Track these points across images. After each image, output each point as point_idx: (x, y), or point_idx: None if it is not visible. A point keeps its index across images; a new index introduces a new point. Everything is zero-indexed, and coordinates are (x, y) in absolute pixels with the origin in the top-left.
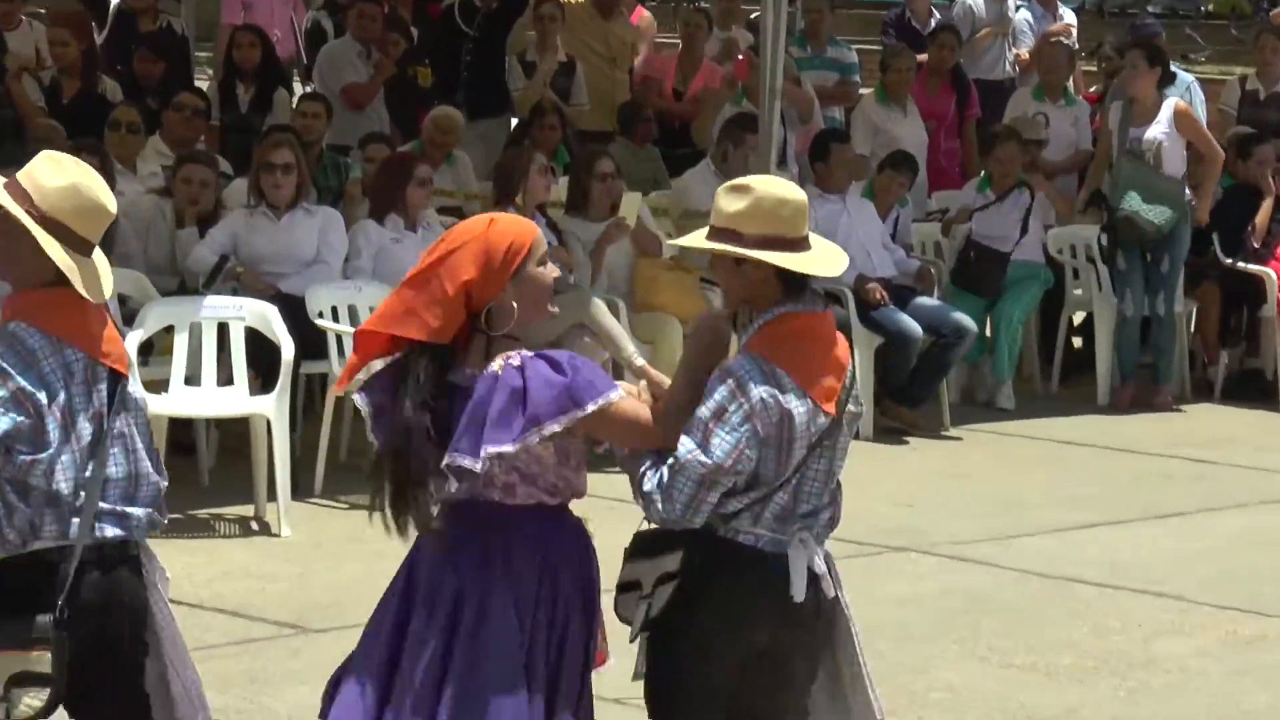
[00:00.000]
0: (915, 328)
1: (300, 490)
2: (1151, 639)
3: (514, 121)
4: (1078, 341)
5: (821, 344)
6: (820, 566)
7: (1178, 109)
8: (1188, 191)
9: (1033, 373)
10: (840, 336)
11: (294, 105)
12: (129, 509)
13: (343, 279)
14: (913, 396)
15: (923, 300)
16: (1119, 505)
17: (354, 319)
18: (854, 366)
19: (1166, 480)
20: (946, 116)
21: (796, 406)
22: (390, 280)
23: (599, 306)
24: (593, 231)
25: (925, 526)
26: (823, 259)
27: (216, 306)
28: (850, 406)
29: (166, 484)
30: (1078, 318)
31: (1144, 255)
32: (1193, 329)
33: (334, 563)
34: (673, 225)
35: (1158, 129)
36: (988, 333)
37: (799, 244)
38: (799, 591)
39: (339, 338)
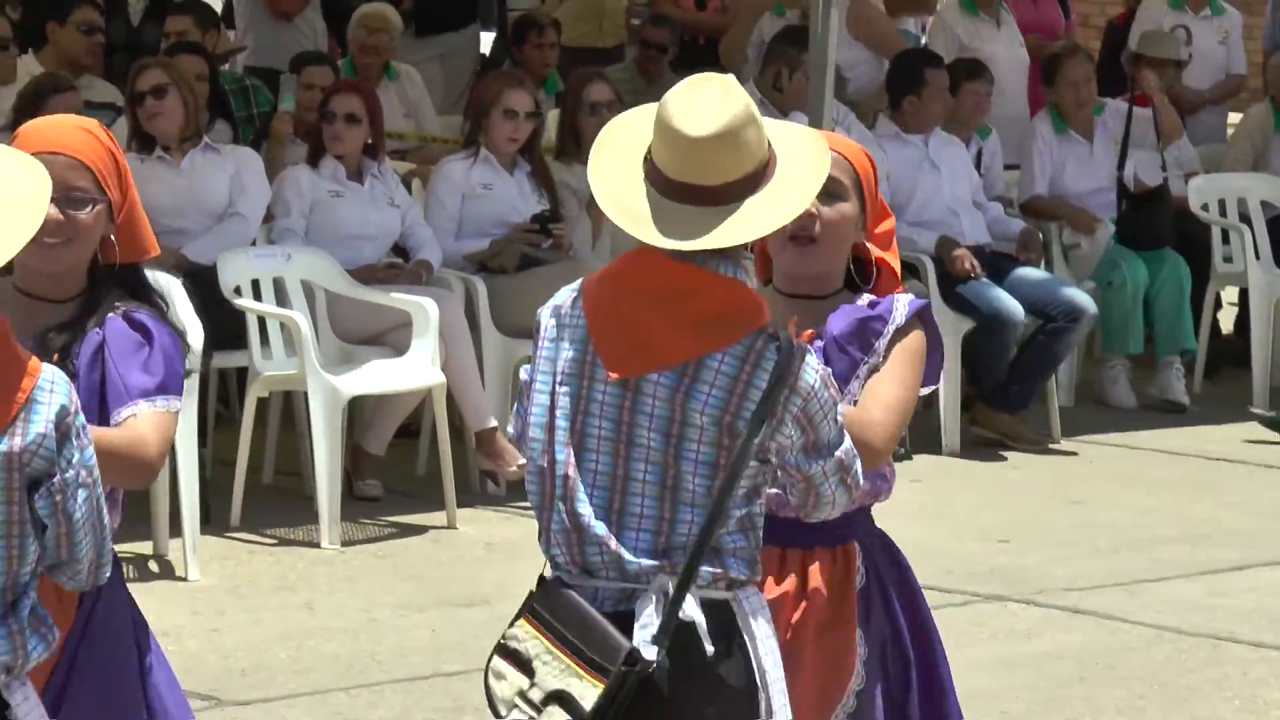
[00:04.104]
0: (1016, 308)
1: (213, 522)
2: None
3: (484, 35)
4: (1227, 325)
5: None
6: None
7: None
8: None
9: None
10: None
11: None
12: None
13: (266, 243)
14: (1012, 398)
15: (1025, 272)
16: None
17: (281, 296)
18: None
19: None
20: (1055, 30)
21: None
22: (329, 245)
23: None
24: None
25: (1028, 569)
26: None
27: None
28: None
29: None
30: (1229, 293)
31: None
32: None
33: (255, 615)
34: None
35: None
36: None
37: None
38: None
39: (262, 321)
